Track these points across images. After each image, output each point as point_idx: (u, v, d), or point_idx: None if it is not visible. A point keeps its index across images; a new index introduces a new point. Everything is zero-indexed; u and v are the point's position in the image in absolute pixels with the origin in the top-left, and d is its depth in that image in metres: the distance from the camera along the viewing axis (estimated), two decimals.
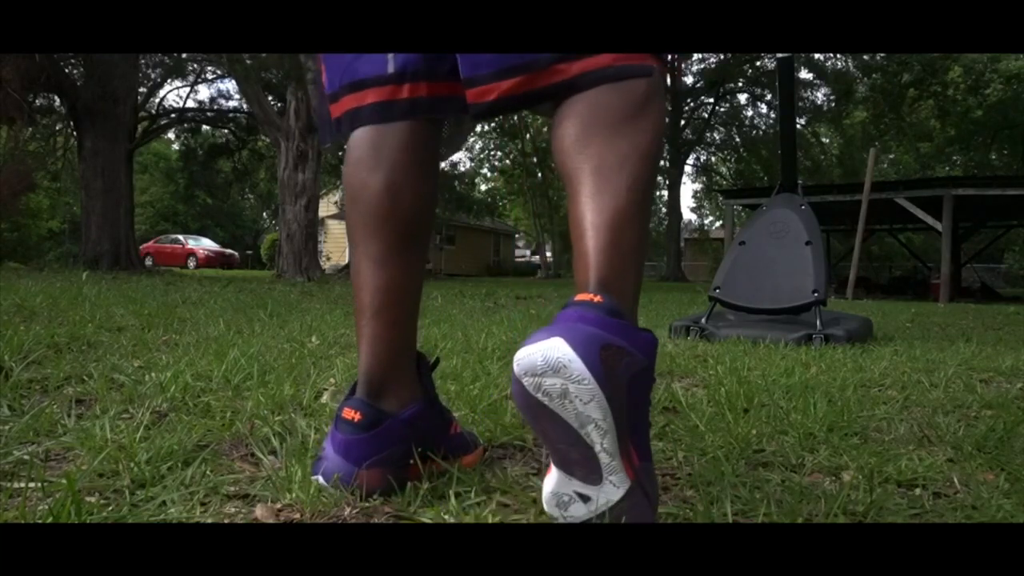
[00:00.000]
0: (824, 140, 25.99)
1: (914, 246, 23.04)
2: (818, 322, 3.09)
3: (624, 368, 0.69)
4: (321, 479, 0.86)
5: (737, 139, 26.40)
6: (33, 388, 1.43)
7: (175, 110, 15.24)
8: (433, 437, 0.95)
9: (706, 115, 25.83)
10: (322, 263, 15.80)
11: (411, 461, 0.90)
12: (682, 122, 25.12)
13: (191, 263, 21.36)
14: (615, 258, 0.77)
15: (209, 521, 0.76)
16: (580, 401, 0.67)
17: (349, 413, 0.89)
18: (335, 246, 26.13)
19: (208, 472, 0.91)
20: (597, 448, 0.68)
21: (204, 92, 20.66)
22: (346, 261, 21.25)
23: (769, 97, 23.58)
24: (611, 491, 0.69)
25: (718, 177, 29.13)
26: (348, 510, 0.82)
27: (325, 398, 1.42)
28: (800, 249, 3.29)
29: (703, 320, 3.30)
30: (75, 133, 11.74)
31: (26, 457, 0.95)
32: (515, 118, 24.91)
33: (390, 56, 0.86)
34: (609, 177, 0.79)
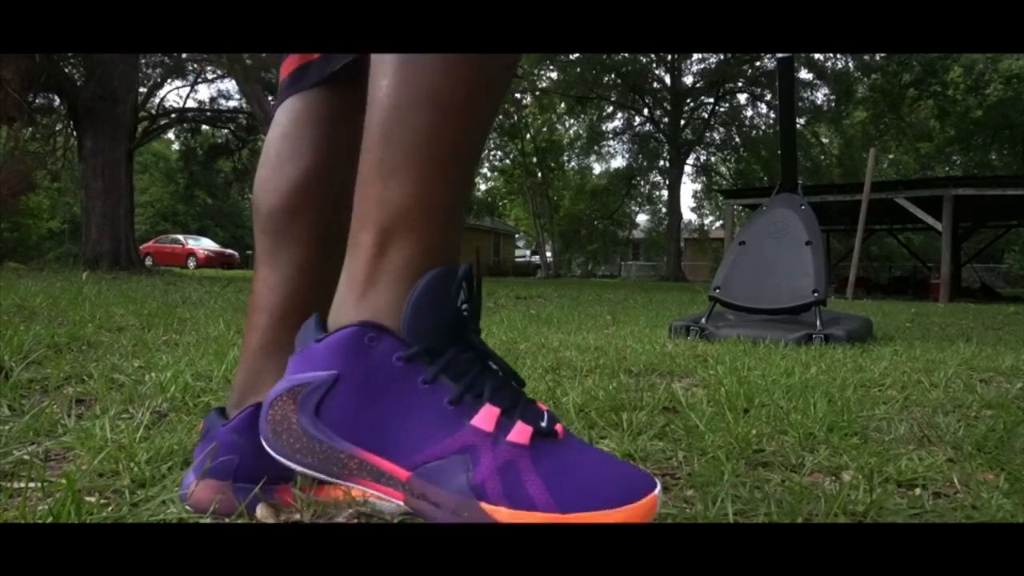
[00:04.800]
0: (824, 140, 25.99)
1: (914, 246, 23.04)
2: (818, 322, 3.09)
3: (303, 407, 0.59)
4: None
5: (737, 139, 26.41)
6: (33, 388, 1.43)
7: (175, 110, 15.24)
8: None
9: (706, 115, 25.84)
10: None
11: (268, 480, 0.77)
12: (682, 122, 25.14)
13: (191, 263, 21.36)
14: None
15: (209, 521, 0.76)
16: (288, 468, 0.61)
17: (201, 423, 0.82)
18: None
19: None
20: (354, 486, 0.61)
21: (204, 92, 20.70)
22: None
23: (769, 97, 23.60)
24: (388, 507, 0.63)
25: (718, 177, 29.14)
26: (349, 510, 0.82)
27: None
28: (800, 249, 3.29)
29: (703, 320, 3.30)
30: (75, 133, 11.74)
31: (26, 457, 0.94)
32: (515, 118, 24.94)
33: None
34: None
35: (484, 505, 0.56)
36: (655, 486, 0.58)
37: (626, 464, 0.60)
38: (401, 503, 0.59)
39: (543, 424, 0.60)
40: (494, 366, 0.62)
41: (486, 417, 0.58)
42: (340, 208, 0.81)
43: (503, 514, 0.56)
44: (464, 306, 0.61)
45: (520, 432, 0.58)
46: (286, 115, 0.82)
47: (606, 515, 0.56)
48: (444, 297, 0.59)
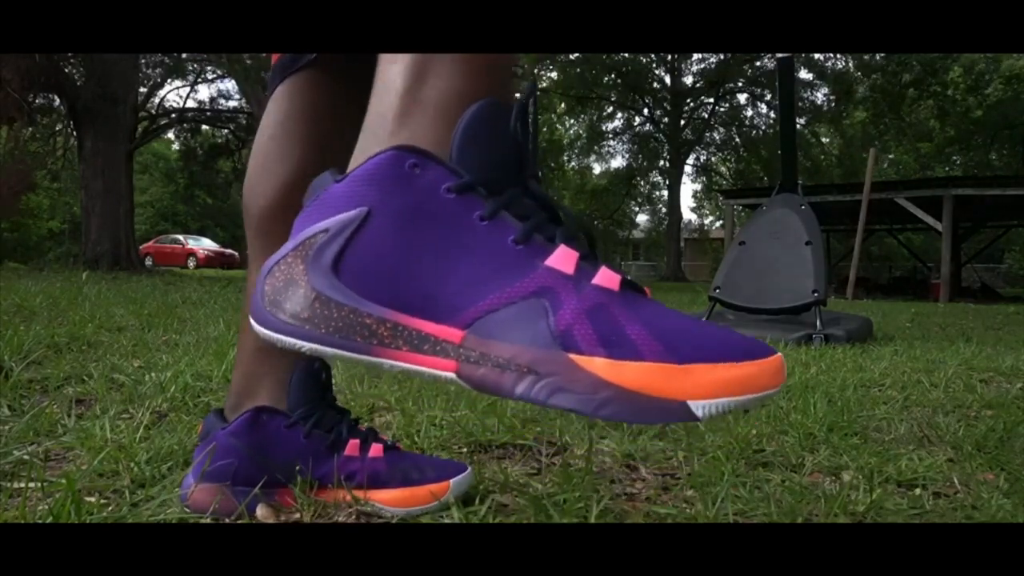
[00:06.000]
0: (824, 140, 26.00)
1: (914, 246, 23.06)
2: (818, 322, 3.09)
3: (316, 263, 0.46)
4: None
5: (737, 139, 26.41)
6: (33, 388, 1.43)
7: (175, 110, 15.24)
8: (290, 457, 0.79)
9: (706, 115, 25.84)
10: None
11: (267, 483, 0.78)
12: (682, 122, 25.14)
13: (191, 263, 21.35)
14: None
15: (209, 521, 0.76)
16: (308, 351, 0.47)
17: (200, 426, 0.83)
18: None
19: None
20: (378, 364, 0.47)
21: (204, 92, 20.71)
22: None
23: (769, 97, 23.60)
24: (447, 377, 0.47)
25: (718, 177, 29.14)
26: (349, 510, 0.82)
27: None
28: (800, 249, 3.29)
29: (703, 320, 3.30)
30: (75, 133, 11.75)
31: (26, 457, 0.94)
32: None
33: None
34: None
35: (573, 357, 0.43)
36: (776, 351, 0.45)
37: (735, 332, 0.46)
38: (452, 375, 0.45)
39: (628, 277, 0.47)
40: (562, 216, 0.49)
41: (563, 258, 0.45)
42: None
43: (599, 366, 0.42)
44: (522, 145, 0.49)
45: (607, 277, 0.45)
46: (276, 112, 0.81)
47: (733, 368, 0.42)
48: (499, 130, 0.48)
